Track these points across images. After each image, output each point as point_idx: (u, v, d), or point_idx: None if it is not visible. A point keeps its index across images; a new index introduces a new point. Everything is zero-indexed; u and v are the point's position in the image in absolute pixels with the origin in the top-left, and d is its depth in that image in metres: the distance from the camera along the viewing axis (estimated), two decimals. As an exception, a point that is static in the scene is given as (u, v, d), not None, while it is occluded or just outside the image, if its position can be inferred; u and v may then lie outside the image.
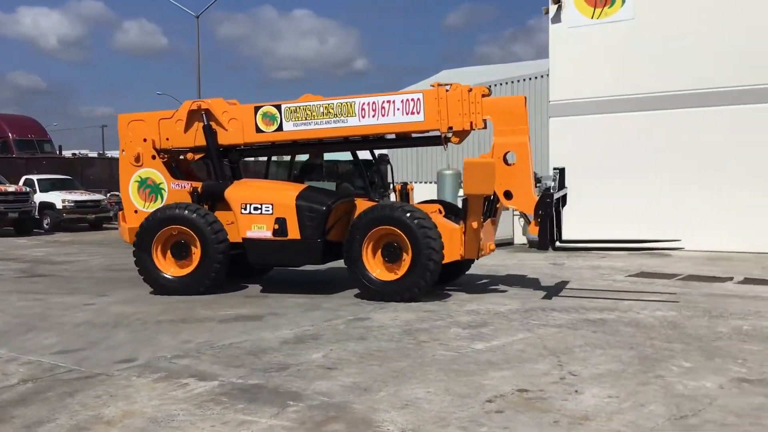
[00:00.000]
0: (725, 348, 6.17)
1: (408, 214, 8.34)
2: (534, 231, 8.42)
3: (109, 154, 38.69)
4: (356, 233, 8.57)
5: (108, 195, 25.74)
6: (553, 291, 9.33)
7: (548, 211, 8.20)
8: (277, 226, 8.83)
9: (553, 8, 15.78)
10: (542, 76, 16.23)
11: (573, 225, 10.76)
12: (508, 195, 8.50)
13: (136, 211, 9.97)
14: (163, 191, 9.87)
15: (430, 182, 18.00)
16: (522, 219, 9.51)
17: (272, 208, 8.89)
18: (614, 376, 5.34)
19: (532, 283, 10.00)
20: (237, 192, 9.22)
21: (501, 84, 17.06)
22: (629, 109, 14.72)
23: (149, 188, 9.92)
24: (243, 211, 9.03)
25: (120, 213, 10.57)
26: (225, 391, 5.06)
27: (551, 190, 8.34)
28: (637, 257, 12.64)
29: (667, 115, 14.35)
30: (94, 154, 37.33)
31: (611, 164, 14.62)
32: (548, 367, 5.62)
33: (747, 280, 9.95)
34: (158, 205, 9.75)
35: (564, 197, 9.21)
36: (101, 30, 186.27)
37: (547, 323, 7.27)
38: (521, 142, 8.48)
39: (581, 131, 15.15)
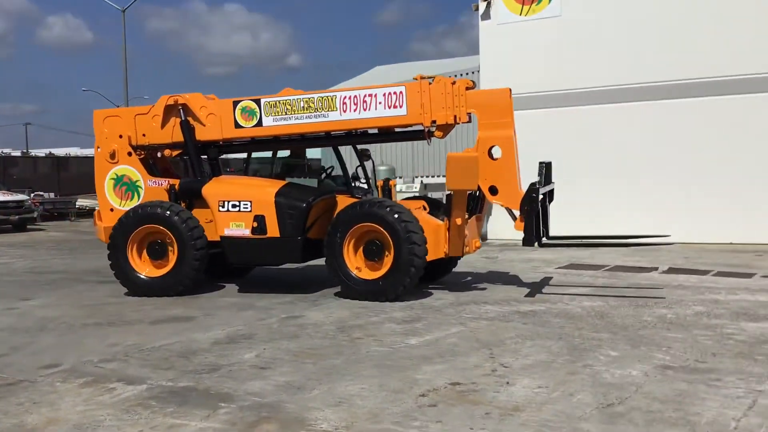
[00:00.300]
0: (650, 336, 6.36)
1: (390, 211, 8.09)
2: (520, 227, 8.18)
3: (33, 152, 37.42)
4: (337, 231, 8.33)
5: (32, 195, 24.87)
6: (487, 285, 9.44)
7: (533, 207, 7.99)
8: (255, 224, 8.62)
9: (482, 5, 15.95)
10: (473, 72, 16.41)
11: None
12: (493, 190, 8.32)
13: (112, 210, 9.67)
14: (139, 189, 9.58)
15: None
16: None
17: (251, 206, 8.68)
18: (544, 367, 5.44)
19: (466, 277, 10.10)
20: (215, 189, 8.99)
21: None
22: (559, 105, 15.01)
23: (125, 186, 9.63)
24: (221, 208, 8.80)
25: (96, 212, 10.10)
26: (154, 394, 4.94)
27: (537, 185, 8.12)
28: (567, 250, 12.88)
29: (596, 111, 14.69)
30: (17, 153, 36.03)
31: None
32: (480, 359, 5.69)
33: (671, 270, 10.28)
34: (135, 203, 9.47)
35: (551, 192, 9.02)
36: (24, 25, 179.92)
37: (479, 316, 7.36)
38: (506, 136, 8.28)
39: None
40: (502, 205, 8.46)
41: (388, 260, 8.12)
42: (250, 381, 5.18)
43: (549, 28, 15.19)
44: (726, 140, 13.62)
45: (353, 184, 9.63)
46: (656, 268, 10.45)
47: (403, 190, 15.73)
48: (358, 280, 8.26)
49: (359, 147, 9.76)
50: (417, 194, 15.46)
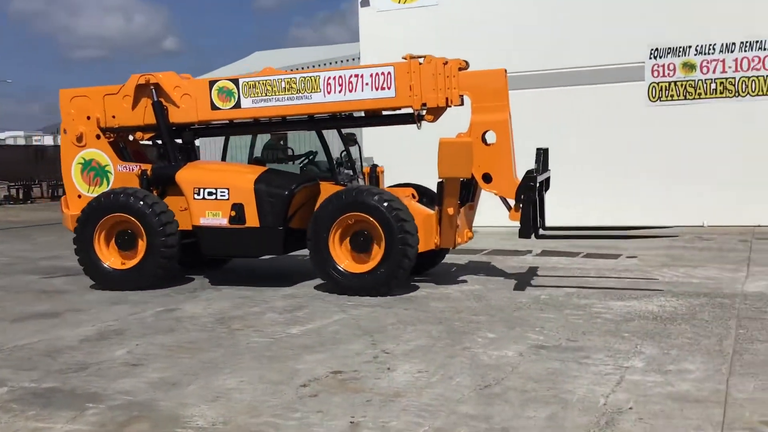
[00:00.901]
0: (525, 317, 6.55)
1: (379, 199, 7.58)
2: (515, 218, 7.72)
3: None
4: (322, 221, 7.78)
5: None
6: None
7: (531, 196, 7.50)
8: (233, 213, 8.12)
9: (362, -9, 15.93)
10: (354, 59, 16.38)
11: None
12: (486, 178, 7.78)
13: (79, 196, 9.00)
14: (109, 174, 8.93)
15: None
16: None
17: (228, 193, 8.17)
18: (424, 351, 5.49)
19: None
20: (189, 175, 8.43)
21: (313, 66, 17.02)
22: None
23: (93, 171, 8.96)
24: (196, 196, 8.27)
25: (62, 199, 9.36)
26: (15, 397, 4.62)
27: (534, 173, 7.61)
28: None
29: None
30: None
31: (421, 150, 14.95)
32: (362, 346, 5.67)
33: (544, 253, 10.65)
34: (104, 189, 8.83)
35: (547, 181, 8.54)
36: None
37: (361, 303, 7.35)
38: (501, 120, 7.75)
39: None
40: (496, 194, 7.91)
41: (377, 252, 7.65)
42: (120, 379, 4.94)
43: (427, 17, 15.35)
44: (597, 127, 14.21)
45: (338, 171, 9.17)
46: (530, 251, 10.78)
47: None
48: (346, 275, 7.72)
49: (344, 131, 9.30)
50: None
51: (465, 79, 7.95)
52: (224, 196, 8.17)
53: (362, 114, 8.64)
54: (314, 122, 8.80)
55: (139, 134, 9.19)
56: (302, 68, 17.06)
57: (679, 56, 13.53)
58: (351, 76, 8.09)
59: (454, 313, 6.78)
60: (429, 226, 7.77)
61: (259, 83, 8.37)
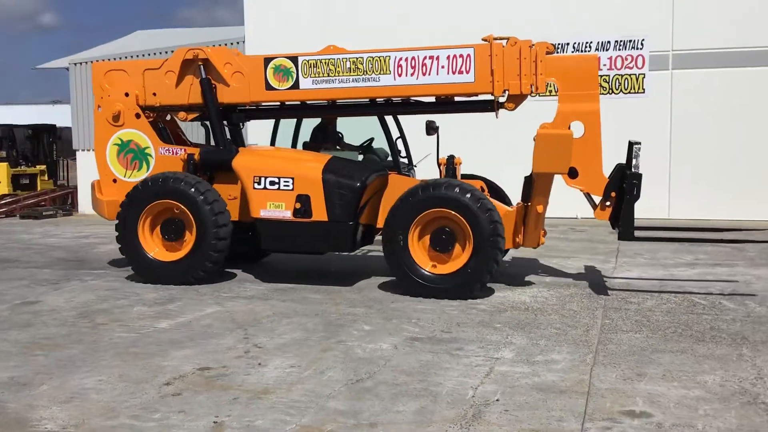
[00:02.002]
0: (402, 309, 6.54)
1: (470, 196, 6.90)
2: (602, 216, 7.26)
3: None
4: (402, 217, 7.04)
5: None
6: (248, 263, 9.22)
7: (636, 194, 6.95)
8: (298, 205, 7.38)
9: (247, -27, 15.55)
10: (239, 42, 15.97)
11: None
12: (572, 173, 7.07)
13: (114, 180, 8.21)
14: (149, 157, 8.13)
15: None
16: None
17: (293, 183, 7.41)
18: (298, 345, 5.38)
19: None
20: (248, 162, 7.67)
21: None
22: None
23: (132, 153, 8.16)
24: (256, 185, 7.49)
25: (94, 183, 8.45)
26: None
27: (633, 168, 7.01)
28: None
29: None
30: None
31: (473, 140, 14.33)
32: (234, 341, 5.49)
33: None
34: (143, 173, 8.07)
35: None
36: None
37: (238, 295, 7.15)
38: (592, 110, 7.10)
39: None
40: (582, 191, 7.33)
41: (459, 252, 7.02)
42: (-35, 380, 4.57)
43: (314, 1, 15.14)
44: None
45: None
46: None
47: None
48: (430, 277, 7.00)
49: (427, 118, 8.28)
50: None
51: (553, 65, 7.24)
52: (288, 186, 7.42)
53: (432, 99, 7.88)
54: (376, 106, 8.08)
55: (182, 114, 8.31)
56: (173, 51, 16.52)
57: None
58: (425, 58, 7.36)
59: (332, 305, 6.69)
60: (508, 224, 7.24)
61: (320, 62, 7.61)
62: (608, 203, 7.21)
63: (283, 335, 5.65)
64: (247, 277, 8.09)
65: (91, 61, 17.00)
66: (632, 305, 6.62)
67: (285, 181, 7.41)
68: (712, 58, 13.03)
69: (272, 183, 7.44)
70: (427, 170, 8.16)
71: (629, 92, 13.57)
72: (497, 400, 4.24)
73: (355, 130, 8.86)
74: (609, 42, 13.50)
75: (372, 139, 8.81)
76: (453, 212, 6.92)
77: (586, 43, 13.57)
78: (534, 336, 5.62)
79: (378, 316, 6.27)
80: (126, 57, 16.78)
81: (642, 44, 13.39)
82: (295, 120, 8.97)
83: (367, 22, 14.64)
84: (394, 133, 8.67)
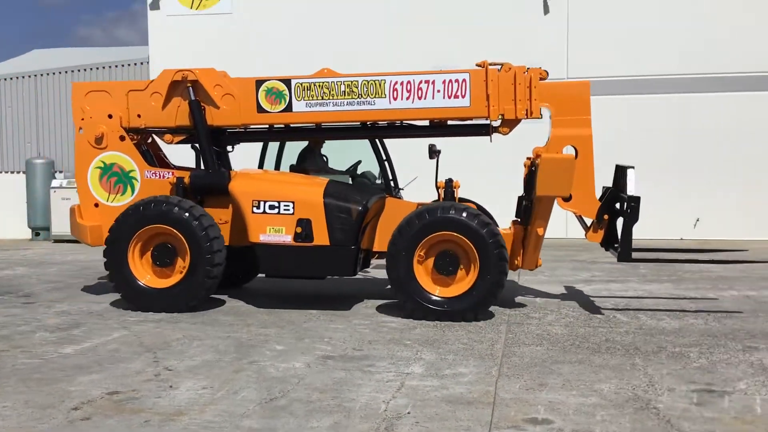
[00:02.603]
0: (314, 328, 6.62)
1: (473, 218, 6.96)
2: (594, 238, 7.47)
3: None
4: (406, 240, 7.00)
5: None
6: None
7: (635, 217, 7.08)
8: (299, 229, 7.21)
9: (152, -6, 15.39)
10: (142, 63, 15.74)
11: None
12: (566, 196, 7.29)
13: (96, 205, 7.87)
14: (134, 181, 7.82)
15: (16, 172, 16.26)
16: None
17: (293, 207, 7.25)
18: (209, 367, 5.37)
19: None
20: (247, 186, 7.44)
21: (99, 68, 16.12)
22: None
23: (115, 176, 7.83)
24: (255, 209, 7.27)
25: (74, 207, 8.03)
26: None
27: (628, 192, 7.20)
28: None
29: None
30: None
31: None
32: (143, 365, 5.43)
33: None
34: (127, 197, 7.79)
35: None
36: None
37: (146, 319, 7.04)
38: (585, 135, 7.30)
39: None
40: (575, 213, 7.50)
41: (463, 275, 7.07)
42: None
43: (219, 25, 15.14)
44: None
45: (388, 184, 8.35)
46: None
47: (63, 185, 14.48)
48: (436, 300, 7.00)
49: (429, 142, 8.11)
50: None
51: (547, 90, 7.42)
52: (288, 210, 7.30)
53: (426, 123, 7.91)
54: (371, 130, 8.06)
55: (168, 137, 8.08)
56: (80, 70, 16.15)
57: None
58: (421, 82, 7.40)
59: (242, 327, 6.70)
60: (508, 247, 7.32)
61: (314, 85, 7.56)
62: (600, 226, 7.43)
63: (194, 357, 5.63)
64: (155, 301, 7.96)
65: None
66: (534, 320, 6.93)
67: (285, 205, 7.31)
68: (608, 85, 13.74)
69: (272, 207, 7.33)
70: (414, 194, 8.23)
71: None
72: (408, 413, 4.38)
73: (339, 153, 8.88)
74: (509, 69, 14.09)
75: (359, 162, 8.84)
76: (459, 236, 6.97)
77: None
78: (442, 351, 5.81)
79: (290, 336, 6.32)
80: (23, 77, 16.24)
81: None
82: (278, 143, 8.88)
83: (275, 49, 14.74)
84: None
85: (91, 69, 15.99)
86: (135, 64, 15.84)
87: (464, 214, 7.00)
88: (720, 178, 13.68)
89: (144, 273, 7.46)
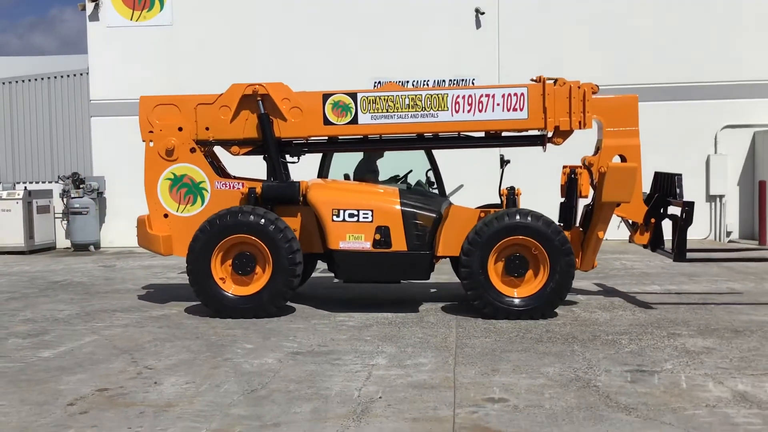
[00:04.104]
0: (277, 328, 7.04)
1: (547, 224, 7.35)
2: (641, 240, 7.99)
3: None
4: (480, 248, 7.33)
5: None
6: (111, 293, 9.30)
7: (690, 220, 7.64)
8: (378, 236, 7.52)
9: (89, 6, 15.40)
10: (82, 74, 15.73)
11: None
12: (620, 202, 7.76)
13: (166, 216, 8.03)
14: (204, 192, 8.01)
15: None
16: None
17: (372, 215, 7.55)
18: (187, 365, 5.74)
19: (87, 288, 9.80)
20: (325, 195, 7.74)
21: (39, 79, 16.03)
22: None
23: (186, 187, 8.01)
24: (335, 218, 7.58)
25: (143, 218, 8.12)
26: None
27: (678, 197, 7.78)
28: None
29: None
30: None
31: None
32: (123, 364, 5.75)
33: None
34: (197, 208, 8.01)
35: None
36: None
37: (112, 324, 7.32)
38: (634, 144, 7.77)
39: (125, 132, 15.11)
40: (624, 218, 8.04)
41: (537, 275, 7.43)
42: None
43: (160, 37, 15.31)
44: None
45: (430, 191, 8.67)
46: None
47: (3, 197, 14.38)
48: (515, 302, 7.36)
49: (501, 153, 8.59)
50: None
51: (598, 103, 7.89)
52: (368, 218, 7.61)
53: (482, 134, 8.28)
54: (429, 141, 8.39)
55: (235, 149, 8.25)
56: (18, 81, 16.04)
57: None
58: (482, 96, 7.85)
59: (208, 329, 7.05)
60: None
61: (380, 99, 7.90)
62: (647, 229, 7.96)
63: (171, 357, 5.98)
64: (118, 306, 8.23)
65: None
66: (479, 316, 7.52)
67: (364, 214, 7.62)
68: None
69: (351, 215, 7.63)
70: (459, 202, 8.48)
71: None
72: (380, 397, 4.87)
73: (385, 163, 9.22)
74: (444, 81, 14.78)
75: (410, 171, 9.12)
76: (531, 239, 7.36)
77: (424, 81, 14.78)
78: (401, 345, 6.32)
79: (256, 336, 6.73)
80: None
81: (473, 83, 14.77)
82: (321, 153, 9.05)
83: (216, 60, 14.99)
84: (426, 165, 9.03)
85: (30, 80, 15.91)
86: (75, 75, 15.84)
87: (530, 218, 7.42)
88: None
89: (226, 281, 7.66)
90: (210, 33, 15.29)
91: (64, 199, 15.15)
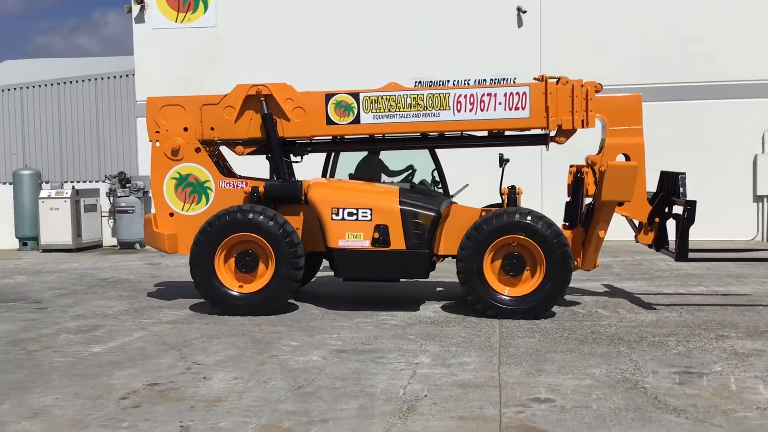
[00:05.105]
0: (321, 326, 7.10)
1: (537, 221, 7.37)
2: (645, 240, 7.97)
3: None
4: (476, 246, 7.39)
5: None
6: (158, 289, 9.48)
7: (693, 219, 7.56)
8: (377, 235, 7.57)
9: (136, 8, 15.72)
10: (128, 75, 16.05)
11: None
12: (621, 201, 7.72)
13: (171, 214, 8.19)
14: (208, 191, 8.17)
15: (2, 183, 16.44)
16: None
17: (371, 214, 7.61)
18: (235, 361, 5.83)
19: (134, 285, 10.00)
20: (325, 194, 7.81)
21: (85, 81, 16.39)
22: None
23: (190, 186, 8.17)
24: (334, 216, 7.63)
25: (150, 216, 8.35)
26: None
27: (681, 197, 7.69)
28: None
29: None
30: None
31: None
32: (173, 360, 5.87)
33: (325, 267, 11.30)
34: (202, 206, 8.15)
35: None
36: None
37: (160, 320, 7.46)
38: (637, 143, 7.74)
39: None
40: (627, 217, 8.02)
41: (528, 275, 7.48)
42: None
43: (204, 38, 15.54)
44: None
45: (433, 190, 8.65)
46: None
47: (52, 195, 14.73)
48: (507, 300, 7.41)
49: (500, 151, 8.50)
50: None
51: (602, 102, 7.87)
52: (366, 216, 7.65)
53: (485, 133, 8.27)
54: (431, 140, 8.40)
55: (239, 148, 8.37)
56: (66, 83, 16.41)
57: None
58: (483, 95, 7.86)
59: (253, 326, 7.15)
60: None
61: (382, 98, 7.96)
62: (651, 228, 7.93)
63: (218, 353, 6.08)
64: (164, 303, 8.39)
65: None
66: (523, 316, 7.49)
67: (363, 212, 7.66)
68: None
69: (350, 214, 7.67)
70: (465, 201, 8.56)
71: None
72: (425, 395, 4.90)
73: (393, 162, 9.20)
74: (485, 80, 14.71)
75: (414, 171, 9.11)
76: (526, 238, 7.36)
77: (465, 80, 14.75)
78: (444, 344, 6.33)
79: (301, 334, 6.80)
80: (9, 89, 16.41)
81: (514, 82, 14.68)
82: (324, 153, 9.04)
83: (259, 61, 15.16)
84: (431, 165, 8.96)
85: (77, 81, 16.26)
86: (121, 76, 16.15)
87: (529, 218, 7.43)
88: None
89: (228, 278, 7.73)
90: (252, 34, 15.47)
91: (111, 198, 15.47)
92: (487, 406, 4.69)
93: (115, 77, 16.18)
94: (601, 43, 14.47)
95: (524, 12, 14.73)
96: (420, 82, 14.88)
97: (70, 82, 16.25)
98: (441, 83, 14.88)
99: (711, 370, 5.42)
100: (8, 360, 5.89)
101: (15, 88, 16.40)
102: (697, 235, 8.37)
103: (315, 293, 9.00)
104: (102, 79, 16.21)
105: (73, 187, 15.20)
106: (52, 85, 16.31)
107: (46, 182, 15.66)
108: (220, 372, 5.50)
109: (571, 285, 9.28)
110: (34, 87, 16.33)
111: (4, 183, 16.24)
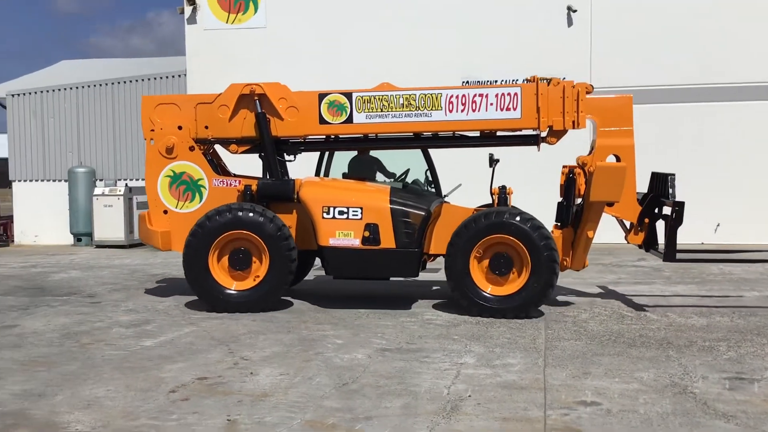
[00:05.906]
0: (366, 325, 7.14)
1: (523, 220, 7.45)
2: (635, 240, 8.05)
3: None
4: (463, 243, 7.50)
5: None
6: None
7: (681, 220, 7.62)
8: (367, 233, 7.68)
9: (188, 9, 15.99)
10: (180, 76, 16.34)
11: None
12: (609, 202, 7.77)
13: (165, 212, 8.32)
14: (202, 189, 8.29)
15: (58, 180, 16.89)
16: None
17: (361, 213, 7.72)
18: (281, 357, 5.90)
19: (184, 281, 10.06)
20: (315, 193, 7.91)
21: (138, 81, 16.75)
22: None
23: (184, 185, 8.30)
24: (325, 215, 7.74)
25: (144, 214, 8.51)
26: None
27: (670, 198, 7.74)
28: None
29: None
30: None
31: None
32: (221, 355, 5.98)
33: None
34: (195, 204, 8.26)
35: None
36: None
37: (209, 316, 7.59)
38: (627, 144, 7.82)
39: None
40: (617, 217, 8.09)
41: (515, 275, 7.53)
42: (-20, 393, 4.90)
43: (255, 39, 15.74)
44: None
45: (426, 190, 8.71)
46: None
47: (105, 193, 15.09)
48: (491, 298, 7.50)
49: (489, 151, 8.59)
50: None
51: (592, 103, 7.96)
52: (357, 215, 7.73)
53: (477, 134, 8.38)
54: (424, 140, 8.49)
55: (233, 147, 8.51)
56: (120, 83, 16.79)
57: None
58: (475, 96, 7.95)
59: (299, 323, 7.23)
60: (558, 248, 7.74)
61: (374, 98, 8.07)
62: (641, 229, 7.97)
63: (265, 349, 6.17)
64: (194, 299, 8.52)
65: (25, 93, 17.09)
66: (569, 318, 7.42)
67: (354, 211, 7.73)
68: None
69: (341, 213, 7.75)
70: (458, 201, 8.59)
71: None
72: (470, 396, 4.89)
73: (387, 162, 9.26)
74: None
75: (408, 171, 9.10)
76: (513, 238, 7.44)
77: (513, 79, 14.63)
78: (489, 344, 6.31)
79: (346, 332, 6.85)
80: (66, 89, 16.87)
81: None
82: (318, 152, 9.13)
83: (304, 68, 15.28)
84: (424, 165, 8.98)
85: (130, 81, 16.62)
86: (173, 76, 16.44)
87: (517, 218, 7.48)
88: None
89: (222, 276, 7.82)
90: (302, 34, 15.60)
91: (162, 196, 15.73)
92: (532, 407, 4.67)
93: (167, 77, 16.47)
94: (653, 43, 14.22)
95: (575, 11, 14.56)
96: (467, 81, 14.83)
97: (124, 82, 16.61)
98: (489, 83, 14.79)
99: (763, 376, 5.30)
100: (62, 352, 6.07)
101: (71, 88, 16.83)
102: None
103: (359, 291, 9.05)
104: (155, 79, 16.53)
105: (126, 184, 15.53)
106: (106, 84, 16.69)
107: (100, 180, 16.05)
108: (266, 367, 5.57)
109: (621, 287, 9.27)
110: (89, 87, 16.73)
111: (60, 180, 16.68)
